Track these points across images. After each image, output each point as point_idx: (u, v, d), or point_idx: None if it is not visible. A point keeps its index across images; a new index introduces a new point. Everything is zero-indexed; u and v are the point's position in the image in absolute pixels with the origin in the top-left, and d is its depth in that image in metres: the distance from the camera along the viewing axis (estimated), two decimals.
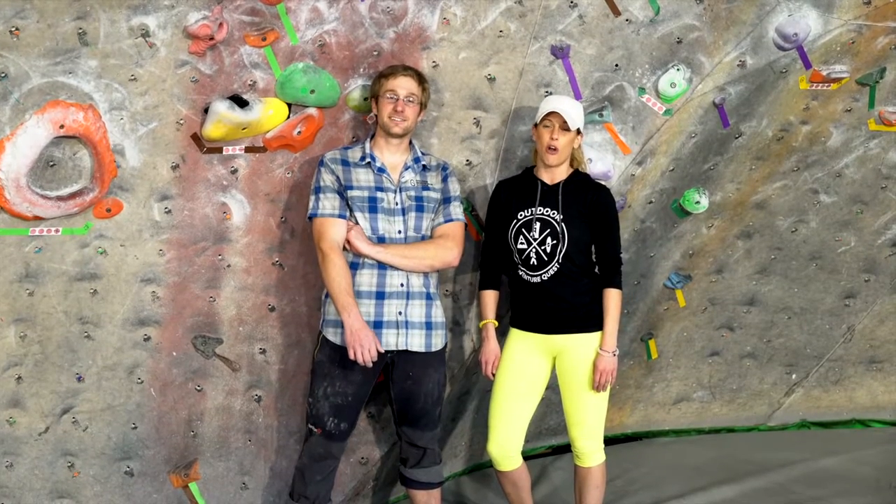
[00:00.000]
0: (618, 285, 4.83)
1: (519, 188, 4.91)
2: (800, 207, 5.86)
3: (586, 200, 4.81)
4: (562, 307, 4.82)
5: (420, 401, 4.83)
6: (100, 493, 5.05)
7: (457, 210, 4.81)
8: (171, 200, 4.78)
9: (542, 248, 4.80)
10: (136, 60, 4.54)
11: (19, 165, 4.46)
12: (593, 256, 4.88)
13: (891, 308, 6.37)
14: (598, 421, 4.93)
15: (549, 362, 4.95)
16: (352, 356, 4.52)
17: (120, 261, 4.79)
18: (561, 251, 4.78)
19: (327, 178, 4.68)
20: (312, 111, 4.84)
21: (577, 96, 5.04)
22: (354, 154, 4.73)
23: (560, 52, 4.99)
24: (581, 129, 4.82)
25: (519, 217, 4.87)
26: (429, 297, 4.78)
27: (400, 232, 4.71)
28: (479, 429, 5.84)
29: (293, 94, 4.76)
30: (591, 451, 4.94)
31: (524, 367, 4.93)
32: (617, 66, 5.06)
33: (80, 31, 4.43)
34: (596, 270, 4.88)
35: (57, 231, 4.67)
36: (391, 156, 4.74)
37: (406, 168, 4.75)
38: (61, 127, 4.47)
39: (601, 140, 5.15)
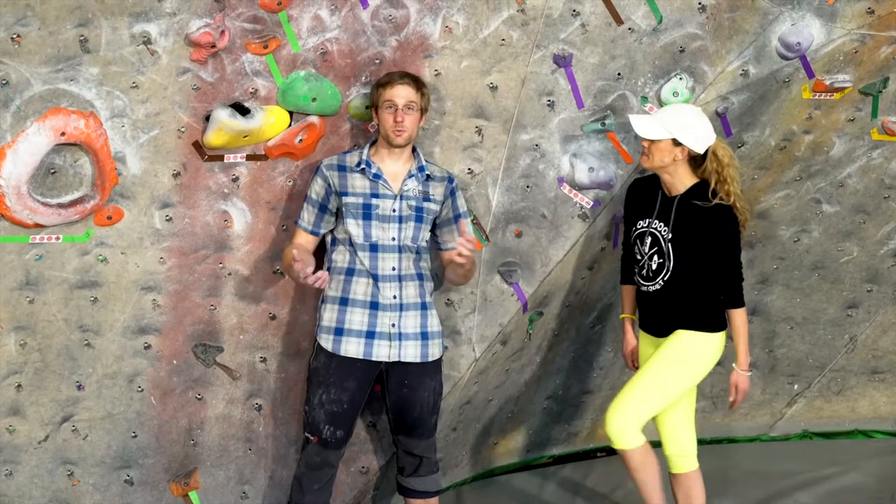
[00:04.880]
0: (740, 304, 4.80)
1: (645, 193, 4.91)
2: (802, 217, 5.85)
3: (699, 220, 4.73)
4: (668, 316, 4.84)
5: (416, 409, 4.82)
6: (99, 501, 5.04)
7: (468, 229, 4.84)
8: (172, 208, 4.77)
9: (650, 263, 4.81)
10: (137, 68, 4.54)
11: (20, 173, 4.45)
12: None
13: (893, 318, 6.35)
14: (686, 424, 4.96)
15: None
16: (310, 282, 4.53)
17: (121, 269, 4.78)
18: (667, 270, 4.77)
19: (315, 189, 4.73)
20: (314, 119, 4.83)
21: (580, 105, 5.03)
22: (352, 159, 4.74)
23: (562, 61, 4.99)
24: (683, 141, 4.67)
25: (638, 227, 4.89)
26: (424, 306, 4.78)
27: (394, 239, 4.70)
28: (481, 438, 5.83)
29: (295, 102, 4.76)
30: (683, 455, 4.96)
31: None
32: (619, 74, 5.05)
33: (82, 38, 4.43)
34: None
35: (58, 239, 4.66)
36: (393, 164, 4.74)
37: (410, 176, 4.74)
38: (62, 134, 4.46)
39: (603, 149, 5.14)
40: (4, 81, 4.38)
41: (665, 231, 4.77)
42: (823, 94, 5.32)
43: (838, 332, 6.36)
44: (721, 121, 5.21)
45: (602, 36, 4.98)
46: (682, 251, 4.75)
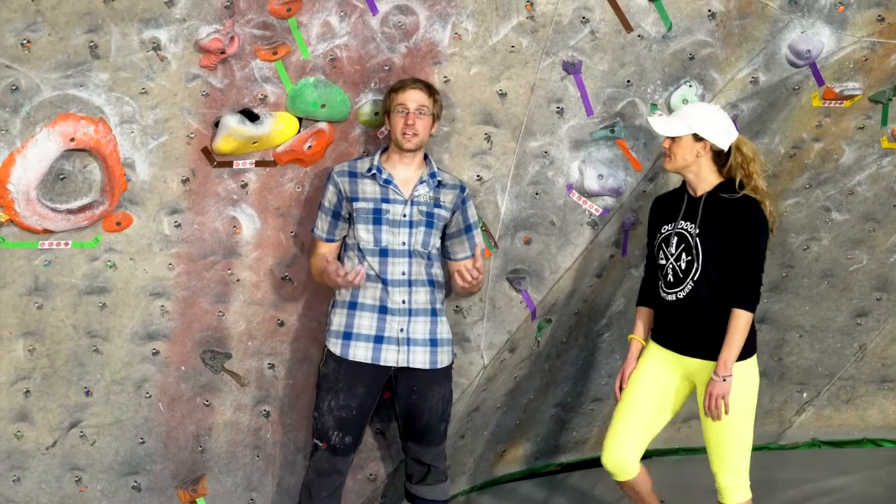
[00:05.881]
0: (747, 307, 4.54)
1: (669, 202, 4.81)
2: (812, 225, 5.84)
3: (725, 210, 4.60)
4: (695, 329, 4.65)
5: (425, 416, 4.82)
6: None
7: (478, 239, 4.87)
8: (180, 214, 4.77)
9: (678, 264, 4.66)
10: (147, 74, 4.54)
11: (29, 178, 4.45)
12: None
13: None
14: (739, 454, 4.69)
15: (683, 382, 4.80)
16: (350, 279, 4.55)
17: (129, 274, 4.79)
18: (696, 269, 4.61)
19: (328, 196, 4.74)
20: (323, 126, 4.83)
21: (589, 112, 5.03)
22: (363, 165, 4.75)
23: (572, 68, 4.98)
24: (704, 135, 4.59)
25: (662, 231, 4.76)
26: (434, 312, 4.78)
27: (404, 244, 4.70)
28: (489, 446, 5.82)
29: (304, 108, 4.76)
30: (732, 487, 4.73)
31: (654, 380, 4.81)
32: (629, 81, 5.05)
33: (92, 44, 4.43)
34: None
35: (66, 244, 4.66)
36: (405, 169, 4.74)
37: (421, 182, 4.74)
38: (72, 140, 4.46)
39: (613, 156, 5.13)
40: (14, 87, 4.38)
41: (693, 228, 4.64)
42: (833, 101, 5.31)
43: (847, 341, 6.34)
44: None
45: (611, 43, 4.98)
46: (711, 246, 4.58)
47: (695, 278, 4.63)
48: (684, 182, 4.79)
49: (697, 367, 4.70)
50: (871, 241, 5.97)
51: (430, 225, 4.75)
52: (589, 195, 5.16)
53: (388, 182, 4.71)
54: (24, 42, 4.35)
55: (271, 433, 5.18)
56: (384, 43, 4.79)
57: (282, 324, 5.05)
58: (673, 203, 4.80)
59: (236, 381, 5.07)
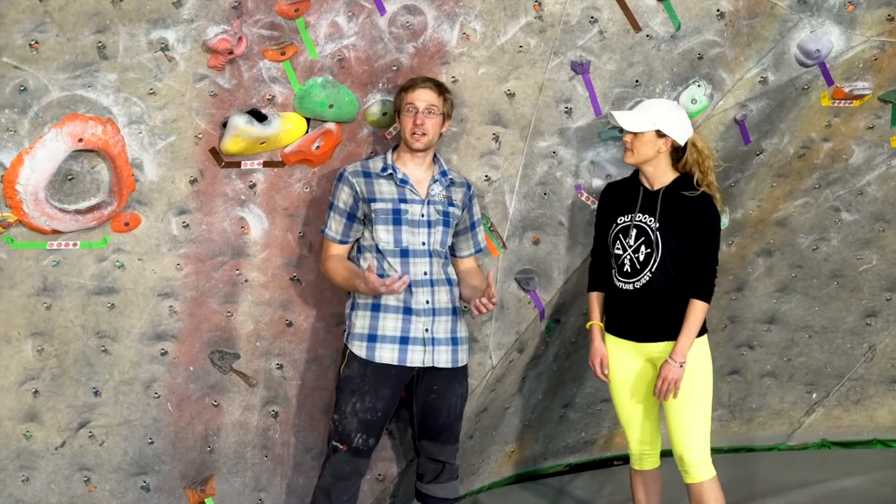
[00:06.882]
0: (704, 298, 4.69)
1: (623, 192, 4.85)
2: (821, 225, 5.83)
3: (684, 207, 4.70)
4: (650, 316, 4.73)
5: (443, 415, 4.81)
6: None
7: (482, 236, 4.89)
8: (189, 215, 4.78)
9: (636, 255, 4.73)
10: (155, 74, 4.55)
11: (38, 179, 4.46)
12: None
13: None
14: (702, 431, 4.81)
15: (648, 367, 4.86)
16: (395, 287, 4.47)
17: (138, 275, 4.79)
18: (654, 261, 4.69)
19: (341, 197, 4.70)
20: (331, 126, 4.83)
21: (597, 112, 5.02)
22: (376, 165, 4.74)
23: (580, 68, 4.98)
24: (667, 132, 4.68)
25: (618, 222, 4.81)
26: (454, 311, 4.78)
27: (424, 244, 4.70)
28: (498, 446, 5.81)
29: (312, 108, 4.76)
30: (696, 463, 4.81)
31: (625, 372, 4.87)
32: (637, 81, 5.04)
33: (100, 44, 4.44)
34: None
35: (75, 245, 4.66)
36: (416, 169, 4.74)
37: (434, 181, 4.74)
38: (80, 140, 4.47)
39: (621, 156, 5.12)
40: (23, 87, 4.39)
41: (652, 221, 4.71)
42: (842, 101, 5.29)
43: (857, 341, 6.33)
44: (740, 128, 5.20)
45: (620, 43, 4.97)
46: (670, 240, 4.68)
47: (652, 270, 4.71)
48: (637, 172, 4.85)
49: (656, 350, 4.78)
50: (880, 242, 5.95)
51: (446, 224, 4.75)
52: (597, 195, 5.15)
53: (404, 182, 4.70)
54: (33, 43, 4.35)
55: (280, 433, 5.18)
56: (392, 43, 4.79)
57: (290, 324, 5.05)
58: (627, 193, 4.84)
59: (245, 381, 5.07)
